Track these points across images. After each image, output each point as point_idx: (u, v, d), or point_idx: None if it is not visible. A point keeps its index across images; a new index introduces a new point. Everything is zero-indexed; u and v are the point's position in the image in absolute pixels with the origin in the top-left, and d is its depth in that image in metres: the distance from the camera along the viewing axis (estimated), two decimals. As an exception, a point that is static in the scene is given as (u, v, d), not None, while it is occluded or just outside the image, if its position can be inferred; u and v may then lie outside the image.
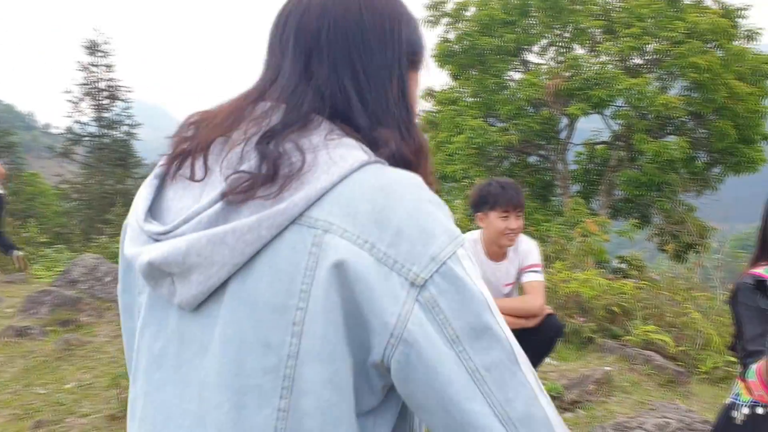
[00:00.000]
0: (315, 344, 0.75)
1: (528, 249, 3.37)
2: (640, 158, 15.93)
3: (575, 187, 18.65)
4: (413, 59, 0.95)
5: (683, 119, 16.65)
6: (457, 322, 0.75)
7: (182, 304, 0.82)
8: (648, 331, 5.25)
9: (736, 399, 2.29)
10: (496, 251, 3.32)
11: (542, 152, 17.95)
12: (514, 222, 3.18)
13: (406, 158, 0.87)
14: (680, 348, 5.19)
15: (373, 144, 0.85)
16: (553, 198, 18.33)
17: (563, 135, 17.80)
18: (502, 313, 2.92)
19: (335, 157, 0.79)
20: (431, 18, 18.14)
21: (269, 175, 0.77)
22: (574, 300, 5.91)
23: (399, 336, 0.75)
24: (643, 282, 6.30)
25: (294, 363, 0.76)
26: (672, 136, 16.45)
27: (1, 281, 7.74)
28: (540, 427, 0.77)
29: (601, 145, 18.23)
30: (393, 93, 0.89)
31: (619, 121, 16.51)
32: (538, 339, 3.24)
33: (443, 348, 0.75)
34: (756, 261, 2.31)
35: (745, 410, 2.21)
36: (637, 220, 16.11)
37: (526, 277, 3.32)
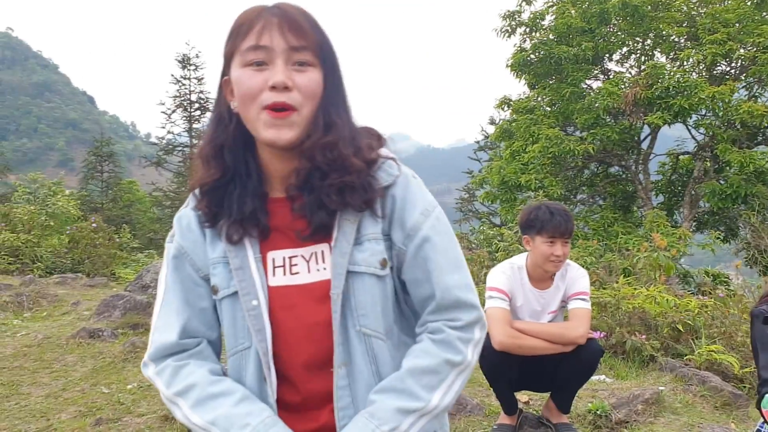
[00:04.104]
0: None
1: (575, 276, 3.29)
2: (727, 169, 15.26)
3: (659, 198, 18.04)
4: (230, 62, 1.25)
5: (773, 128, 15.86)
6: None
7: None
8: (713, 351, 5.03)
9: (762, 427, 2.22)
10: (541, 276, 3.25)
11: (623, 162, 17.44)
12: (560, 249, 3.11)
13: None
14: (747, 369, 4.95)
15: None
16: (636, 209, 17.79)
17: (645, 145, 17.26)
18: (540, 338, 2.82)
19: None
20: (507, 28, 17.99)
21: None
22: (639, 316, 5.71)
23: None
24: (709, 300, 6.01)
25: None
26: (762, 146, 15.67)
27: (84, 285, 8.22)
28: None
29: (685, 156, 17.57)
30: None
31: (702, 131, 15.86)
32: (576, 363, 3.16)
33: None
34: None
35: (768, 438, 2.14)
36: (721, 233, 15.43)
37: (572, 304, 3.23)
